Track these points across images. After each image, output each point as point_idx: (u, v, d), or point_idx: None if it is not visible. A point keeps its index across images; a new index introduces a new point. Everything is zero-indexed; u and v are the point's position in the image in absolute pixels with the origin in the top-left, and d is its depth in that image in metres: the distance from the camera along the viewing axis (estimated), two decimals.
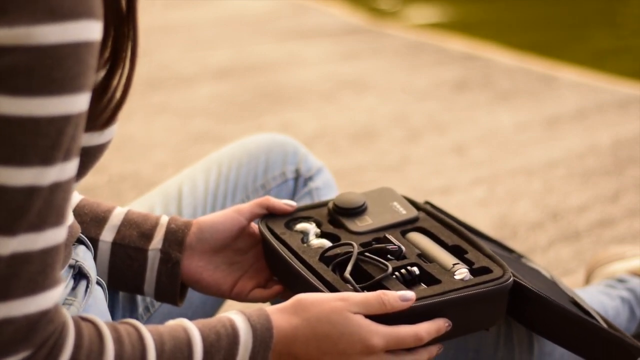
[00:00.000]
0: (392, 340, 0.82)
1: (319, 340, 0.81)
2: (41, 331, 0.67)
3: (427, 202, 1.10)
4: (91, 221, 0.99)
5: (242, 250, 1.01)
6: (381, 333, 0.82)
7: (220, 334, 0.78)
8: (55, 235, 0.67)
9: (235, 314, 0.81)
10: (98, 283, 0.92)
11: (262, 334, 0.79)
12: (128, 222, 0.99)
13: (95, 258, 0.98)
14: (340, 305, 0.82)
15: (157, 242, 0.98)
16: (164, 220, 1.00)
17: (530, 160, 2.37)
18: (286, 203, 1.03)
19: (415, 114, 2.75)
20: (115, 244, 0.98)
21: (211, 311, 1.13)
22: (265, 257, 1.01)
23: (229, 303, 1.18)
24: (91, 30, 0.65)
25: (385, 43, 3.66)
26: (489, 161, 2.36)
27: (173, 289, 0.99)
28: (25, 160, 0.64)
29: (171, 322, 0.79)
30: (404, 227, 1.02)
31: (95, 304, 0.89)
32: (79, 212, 0.99)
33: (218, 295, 1.02)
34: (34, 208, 0.65)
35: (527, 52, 3.55)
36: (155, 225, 0.99)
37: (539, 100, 2.89)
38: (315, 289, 0.89)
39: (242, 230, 1.01)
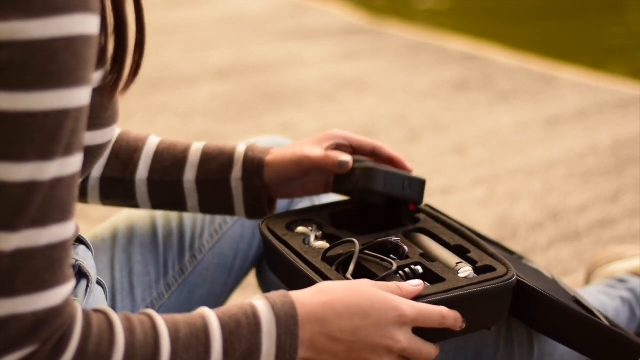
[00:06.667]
0: (420, 314, 0.82)
1: (351, 313, 0.79)
2: (48, 326, 0.66)
3: (427, 206, 1.10)
4: (172, 165, 1.04)
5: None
6: (411, 303, 0.82)
7: (240, 323, 0.75)
8: (60, 231, 0.67)
9: (258, 300, 0.78)
10: (98, 282, 0.92)
11: (287, 321, 0.76)
12: (207, 158, 1.05)
13: (184, 199, 1.05)
14: (364, 281, 0.83)
15: (237, 171, 1.04)
16: (241, 150, 1.05)
17: (530, 160, 2.36)
18: (341, 161, 1.03)
19: (415, 114, 2.75)
20: (199, 180, 1.04)
21: (216, 303, 1.13)
22: (267, 258, 1.01)
23: (231, 299, 1.18)
24: (87, 23, 0.64)
25: (385, 43, 3.66)
26: (489, 161, 2.36)
27: (261, 207, 1.05)
28: (23, 156, 0.63)
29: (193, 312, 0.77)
30: (406, 228, 1.02)
31: (95, 303, 0.89)
32: (159, 159, 1.05)
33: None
34: (34, 203, 0.64)
35: (527, 52, 3.55)
36: (232, 155, 1.05)
37: (539, 100, 2.89)
38: None
39: (312, 169, 1.04)
